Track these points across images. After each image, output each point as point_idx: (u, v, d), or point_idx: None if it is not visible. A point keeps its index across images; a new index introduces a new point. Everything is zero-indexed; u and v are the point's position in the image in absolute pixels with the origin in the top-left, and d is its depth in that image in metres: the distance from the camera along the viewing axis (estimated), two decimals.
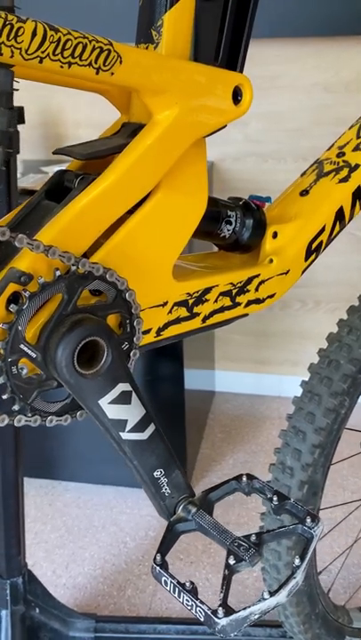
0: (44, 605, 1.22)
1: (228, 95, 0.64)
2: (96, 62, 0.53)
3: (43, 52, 0.50)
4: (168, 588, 0.62)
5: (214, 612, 0.58)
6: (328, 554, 1.44)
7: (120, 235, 0.61)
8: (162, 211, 0.63)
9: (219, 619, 0.57)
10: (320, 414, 0.94)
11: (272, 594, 0.58)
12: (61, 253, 0.55)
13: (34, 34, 0.49)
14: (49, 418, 0.60)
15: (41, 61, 0.50)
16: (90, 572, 1.46)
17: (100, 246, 0.61)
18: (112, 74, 0.54)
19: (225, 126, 0.66)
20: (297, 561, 0.60)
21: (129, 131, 0.63)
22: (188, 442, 1.64)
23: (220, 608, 0.58)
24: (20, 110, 0.89)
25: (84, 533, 1.56)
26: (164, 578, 0.62)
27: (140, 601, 1.39)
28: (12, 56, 0.49)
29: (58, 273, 0.56)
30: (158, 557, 0.63)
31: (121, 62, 0.55)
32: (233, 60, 0.66)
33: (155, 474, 0.64)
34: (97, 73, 0.53)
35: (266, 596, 0.58)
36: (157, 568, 0.62)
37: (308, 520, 0.63)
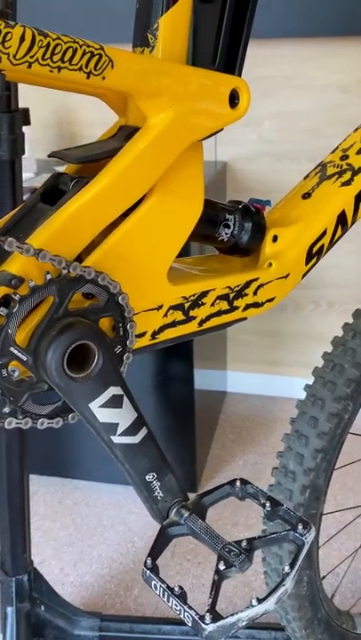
0: (49, 603, 1.23)
1: (225, 99, 0.64)
2: (87, 67, 0.53)
3: (31, 57, 0.50)
4: (158, 592, 0.62)
5: (202, 618, 0.57)
6: (337, 557, 1.43)
7: (114, 238, 0.61)
8: (156, 214, 0.63)
9: (206, 624, 0.57)
10: (323, 419, 0.94)
11: (260, 601, 0.58)
12: (52, 257, 0.56)
13: (22, 39, 0.49)
14: (40, 420, 0.60)
15: (30, 66, 0.50)
16: (97, 570, 1.47)
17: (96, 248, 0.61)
18: (103, 78, 0.54)
19: (221, 129, 0.66)
20: (287, 568, 0.60)
21: (125, 134, 0.63)
22: (198, 442, 1.64)
23: (208, 614, 0.58)
24: (25, 112, 0.90)
25: (92, 532, 1.57)
26: (153, 582, 0.62)
27: (147, 601, 1.39)
28: None
29: (49, 276, 0.56)
30: (149, 561, 0.63)
31: (113, 66, 0.55)
32: (231, 63, 0.66)
33: (147, 477, 0.64)
34: (88, 77, 0.54)
35: (254, 602, 0.58)
36: (148, 572, 0.62)
37: (300, 527, 0.62)
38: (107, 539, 1.55)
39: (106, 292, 0.60)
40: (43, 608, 1.22)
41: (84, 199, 0.58)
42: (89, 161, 0.60)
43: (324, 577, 1.12)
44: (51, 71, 0.51)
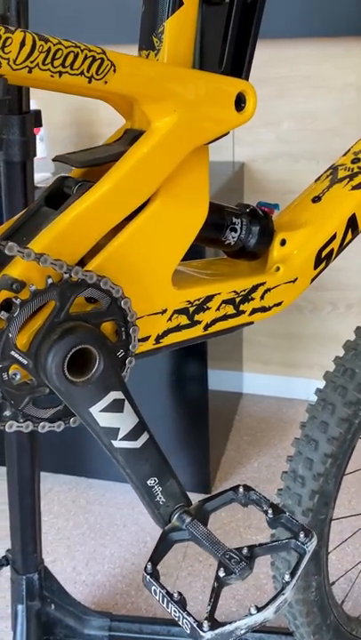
0: (59, 602, 1.23)
1: (230, 102, 0.64)
2: (88, 71, 0.53)
3: (32, 62, 0.50)
4: (157, 598, 0.62)
5: (199, 625, 0.57)
6: (350, 562, 1.42)
7: (117, 242, 0.61)
8: (160, 218, 0.63)
9: (204, 632, 0.57)
10: (333, 424, 0.93)
11: (259, 609, 0.58)
12: (53, 261, 0.56)
13: (22, 44, 0.49)
14: (41, 424, 0.60)
15: (30, 71, 0.50)
16: (109, 570, 1.47)
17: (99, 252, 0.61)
18: (106, 82, 0.54)
19: (227, 133, 0.65)
20: (287, 577, 0.59)
21: (130, 138, 0.63)
22: (212, 443, 1.63)
23: (206, 621, 0.57)
24: (37, 114, 0.90)
25: (105, 531, 1.57)
26: (153, 587, 0.62)
27: (158, 602, 1.39)
28: None
29: (50, 281, 0.56)
30: (149, 566, 0.63)
31: (115, 71, 0.54)
32: (237, 66, 0.65)
33: (148, 482, 0.64)
34: (90, 82, 0.53)
35: (253, 611, 0.58)
36: (147, 577, 0.62)
37: (302, 535, 0.62)
38: (119, 538, 1.55)
39: (108, 297, 0.60)
40: (53, 607, 1.23)
41: (87, 203, 0.58)
42: (92, 165, 0.60)
43: (333, 582, 1.11)
44: (52, 76, 0.51)
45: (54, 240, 0.57)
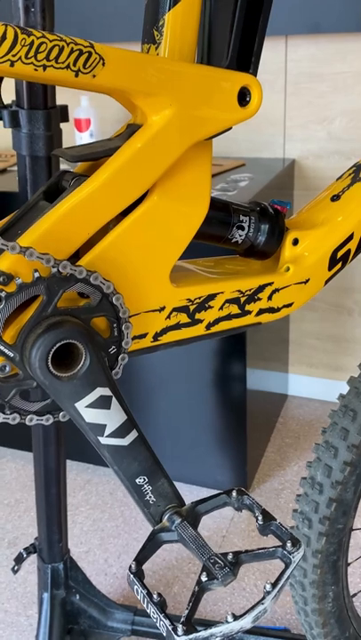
0: (84, 593, 1.25)
1: (233, 97, 0.62)
2: (75, 65, 0.52)
3: (14, 56, 0.50)
4: (139, 597, 0.61)
5: (174, 629, 0.56)
6: None
7: (111, 237, 0.61)
8: (157, 214, 0.62)
9: (178, 636, 0.56)
10: (354, 431, 0.90)
11: (236, 618, 0.56)
12: (39, 255, 0.56)
13: (3, 38, 0.49)
14: (29, 417, 0.61)
15: (12, 65, 0.50)
16: None
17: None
18: (94, 76, 0.54)
19: (230, 128, 0.64)
20: (268, 587, 0.58)
21: (129, 132, 0.62)
22: (251, 443, 1.61)
23: (181, 626, 0.56)
24: (63, 109, 0.90)
25: (139, 525, 1.58)
26: (136, 586, 0.61)
27: (185, 599, 1.39)
28: None
29: (37, 274, 0.56)
30: (134, 565, 0.62)
31: (104, 64, 0.54)
32: (243, 60, 0.64)
33: (137, 481, 0.63)
34: (76, 75, 0.53)
35: (230, 619, 0.56)
36: (131, 576, 0.61)
37: (289, 544, 0.60)
38: None
39: (98, 292, 0.60)
40: (78, 597, 1.24)
41: (76, 198, 0.58)
42: (85, 159, 0.60)
43: (355, 594, 1.07)
44: (35, 69, 0.51)
45: (43, 234, 0.57)
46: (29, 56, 0.50)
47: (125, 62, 0.55)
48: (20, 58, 0.50)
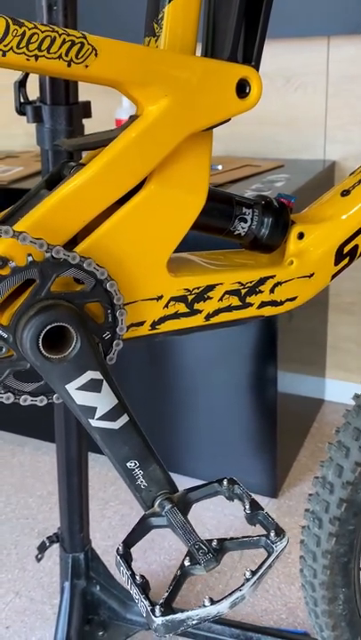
0: (105, 584, 1.26)
1: (230, 88, 0.62)
2: (67, 55, 0.54)
3: (5, 46, 0.52)
4: (123, 578, 0.62)
5: (152, 610, 0.57)
6: None
7: (107, 225, 0.62)
8: (153, 203, 0.63)
9: (155, 617, 0.57)
10: None
11: (213, 602, 0.57)
12: (32, 239, 0.57)
13: None
14: (23, 397, 0.62)
15: (4, 54, 0.52)
16: (165, 561, 1.49)
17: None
18: (86, 66, 0.55)
19: (229, 119, 0.64)
20: (248, 574, 0.58)
21: (129, 123, 0.63)
22: (282, 447, 1.60)
23: (159, 607, 0.57)
24: (85, 105, 0.93)
25: None
26: (121, 568, 0.62)
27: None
28: None
29: (30, 259, 0.58)
30: (121, 547, 0.63)
31: (96, 55, 0.55)
32: (246, 52, 0.64)
33: (128, 464, 0.64)
34: (68, 65, 0.55)
35: (207, 603, 0.57)
36: (117, 557, 0.62)
37: (273, 534, 0.60)
38: None
39: (92, 278, 0.61)
40: (98, 588, 1.26)
41: (71, 186, 0.59)
42: (81, 149, 0.62)
43: None
44: (27, 59, 0.53)
45: (39, 220, 0.59)
46: (21, 46, 0.52)
47: (119, 53, 0.56)
48: (11, 48, 0.52)
